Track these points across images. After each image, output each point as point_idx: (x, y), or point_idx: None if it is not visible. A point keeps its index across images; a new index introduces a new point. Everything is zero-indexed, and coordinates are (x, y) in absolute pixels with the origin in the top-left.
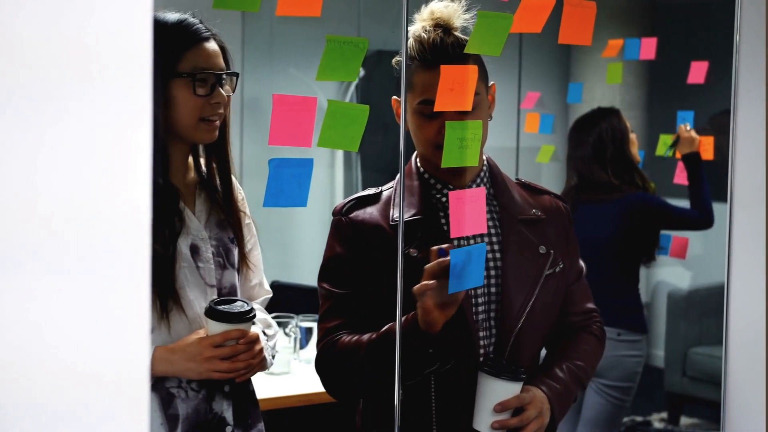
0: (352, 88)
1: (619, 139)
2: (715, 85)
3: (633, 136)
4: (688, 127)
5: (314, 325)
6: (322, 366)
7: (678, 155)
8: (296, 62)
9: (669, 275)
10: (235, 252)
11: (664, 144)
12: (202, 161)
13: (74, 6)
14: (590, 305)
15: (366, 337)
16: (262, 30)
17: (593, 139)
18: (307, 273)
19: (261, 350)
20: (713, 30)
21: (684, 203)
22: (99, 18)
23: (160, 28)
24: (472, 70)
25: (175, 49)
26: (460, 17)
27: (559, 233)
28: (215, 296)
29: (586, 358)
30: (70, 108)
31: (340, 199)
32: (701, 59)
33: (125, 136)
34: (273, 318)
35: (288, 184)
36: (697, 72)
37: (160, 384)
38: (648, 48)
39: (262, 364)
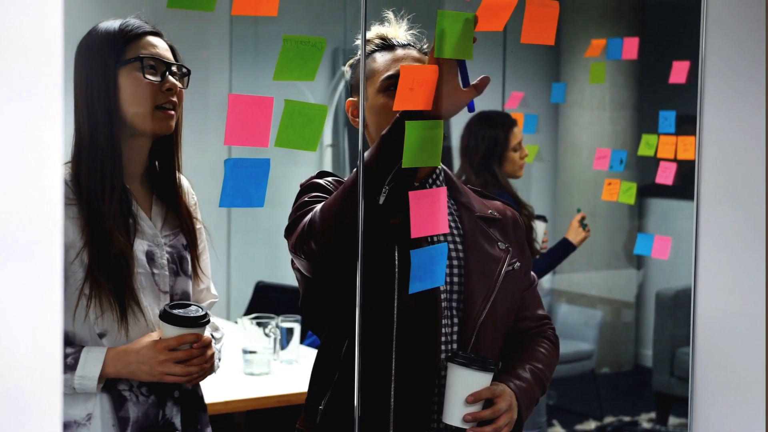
0: (341, 86)
1: (490, 152)
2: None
3: (515, 155)
4: (584, 219)
5: (295, 326)
6: (313, 230)
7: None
8: None
9: (657, 275)
10: (189, 258)
11: (646, 144)
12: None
13: None
14: (542, 312)
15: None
16: (250, 32)
17: (472, 143)
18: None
19: (212, 355)
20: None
21: (667, 203)
22: (8, 12)
23: (102, 33)
24: (433, 69)
25: (118, 44)
26: (405, 34)
27: (515, 235)
28: (166, 301)
29: (545, 361)
30: None
31: None
32: (691, 59)
33: (37, 130)
34: (253, 318)
35: (244, 184)
36: (679, 72)
37: (112, 386)
38: (630, 48)
39: (212, 369)
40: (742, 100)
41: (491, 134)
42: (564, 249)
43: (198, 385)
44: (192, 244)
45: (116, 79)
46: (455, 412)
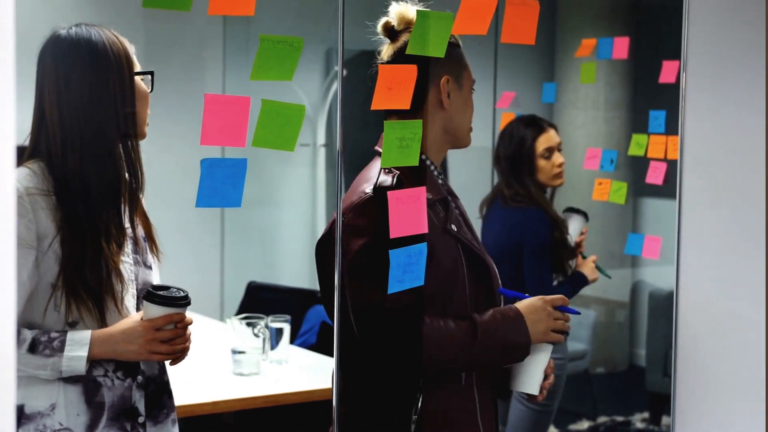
0: (335, 86)
1: (518, 158)
2: None
3: (545, 163)
4: (594, 258)
5: (285, 326)
6: (402, 338)
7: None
8: None
9: (650, 275)
10: (148, 251)
11: (636, 144)
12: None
13: None
14: None
15: (463, 324)
16: (243, 32)
17: (501, 150)
18: (288, 272)
19: (190, 335)
20: None
21: (659, 202)
22: None
23: (116, 42)
24: (411, 69)
25: (129, 56)
26: None
27: None
28: (134, 291)
29: None
30: None
31: (322, 200)
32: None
33: None
34: (242, 318)
35: (221, 184)
36: (669, 71)
37: (87, 374)
38: (621, 47)
39: (188, 350)
40: (725, 100)
41: (519, 135)
42: (580, 283)
43: (165, 371)
44: (149, 235)
45: (131, 85)
46: (533, 382)
